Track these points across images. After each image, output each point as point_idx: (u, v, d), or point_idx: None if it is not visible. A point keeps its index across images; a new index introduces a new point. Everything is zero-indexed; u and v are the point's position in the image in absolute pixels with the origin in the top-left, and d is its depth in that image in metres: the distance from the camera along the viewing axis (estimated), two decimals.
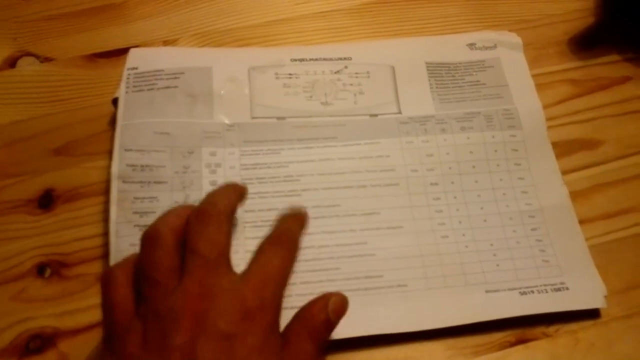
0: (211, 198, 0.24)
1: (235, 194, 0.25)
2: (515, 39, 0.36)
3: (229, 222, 0.23)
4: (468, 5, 0.37)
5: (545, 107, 0.33)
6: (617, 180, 0.32)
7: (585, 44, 0.35)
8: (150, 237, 0.22)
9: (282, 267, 0.23)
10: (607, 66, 0.35)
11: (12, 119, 0.33)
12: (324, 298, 0.23)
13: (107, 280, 0.22)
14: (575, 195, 0.30)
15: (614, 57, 0.35)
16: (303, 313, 0.23)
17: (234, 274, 0.22)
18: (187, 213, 0.23)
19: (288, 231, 0.25)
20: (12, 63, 0.34)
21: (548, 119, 0.32)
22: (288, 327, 0.23)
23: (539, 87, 0.33)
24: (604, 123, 0.33)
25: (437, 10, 0.38)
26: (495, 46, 0.36)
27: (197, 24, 0.36)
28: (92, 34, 0.36)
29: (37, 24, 0.36)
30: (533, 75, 0.34)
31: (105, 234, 0.28)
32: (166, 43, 0.35)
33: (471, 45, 0.36)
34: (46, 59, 0.35)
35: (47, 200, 0.30)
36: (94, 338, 0.26)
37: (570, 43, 0.35)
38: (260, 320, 0.21)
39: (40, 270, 0.28)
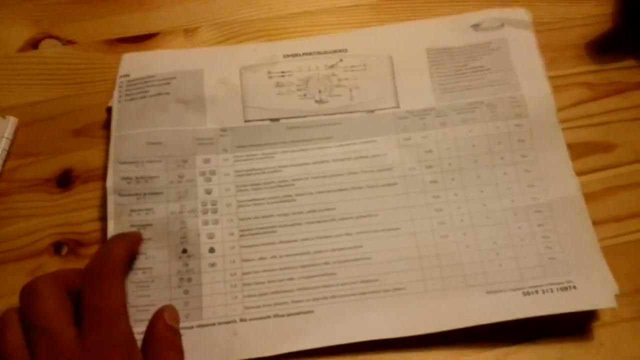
0: (101, 253, 0.25)
1: (126, 244, 0.26)
2: (524, 15, 0.34)
3: (122, 276, 0.24)
4: (487, 6, 0.35)
5: (560, 109, 0.32)
6: (630, 183, 0.31)
7: (602, 48, 0.35)
8: (27, 290, 0.23)
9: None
10: (623, 71, 0.34)
11: (32, 100, 0.33)
12: (160, 314, 0.25)
13: (2, 324, 0.23)
14: (588, 197, 0.30)
15: (630, 62, 0.34)
16: (152, 335, 0.25)
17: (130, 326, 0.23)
18: (69, 272, 0.24)
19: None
20: (34, 44, 0.35)
21: (563, 120, 0.31)
22: (147, 350, 0.24)
23: (555, 89, 0.32)
24: (618, 127, 0.33)
25: (456, 9, 0.35)
26: (502, 25, 0.34)
27: (218, 14, 0.36)
28: (114, 19, 0.36)
29: (60, 7, 0.36)
30: (549, 78, 0.33)
31: None
32: (186, 31, 0.35)
33: (476, 26, 0.34)
34: (68, 42, 0.35)
35: (65, 180, 0.31)
36: None
37: (587, 47, 0.35)
38: None
39: (57, 248, 0.29)
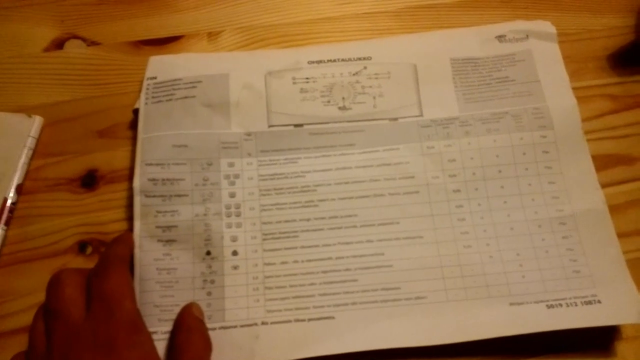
0: (105, 252, 0.26)
1: (125, 243, 0.27)
2: (549, 28, 0.34)
3: (124, 266, 0.25)
4: (510, 16, 0.36)
5: (582, 120, 0.31)
6: None
7: (625, 60, 0.35)
8: (52, 280, 0.24)
9: None
10: None
11: (57, 99, 0.34)
12: (187, 307, 0.26)
13: (34, 317, 0.24)
14: (611, 210, 0.29)
15: None
16: (180, 325, 0.26)
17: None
18: (86, 271, 0.25)
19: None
20: (59, 45, 0.36)
21: (585, 132, 0.31)
22: (176, 340, 0.25)
23: (577, 100, 0.32)
24: None
25: (479, 18, 0.36)
26: (527, 37, 0.34)
27: (241, 18, 0.37)
28: (139, 21, 0.37)
29: (85, 8, 0.37)
30: (571, 89, 0.32)
31: None
32: (210, 35, 0.36)
33: (500, 37, 0.34)
34: (92, 43, 0.36)
35: (90, 180, 0.31)
36: None
37: (610, 59, 0.35)
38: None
39: (81, 247, 0.30)
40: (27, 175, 0.31)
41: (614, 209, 0.29)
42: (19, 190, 0.31)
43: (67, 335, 0.23)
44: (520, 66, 0.33)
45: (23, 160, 0.31)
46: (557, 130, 0.31)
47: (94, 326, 0.23)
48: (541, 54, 0.33)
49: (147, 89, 0.32)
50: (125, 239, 0.27)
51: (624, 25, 0.36)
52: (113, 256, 0.25)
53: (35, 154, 0.32)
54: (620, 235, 0.29)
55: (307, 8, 0.37)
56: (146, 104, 0.31)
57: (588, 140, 0.31)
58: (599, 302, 0.26)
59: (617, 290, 0.27)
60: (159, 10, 0.37)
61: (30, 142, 0.32)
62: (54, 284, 0.24)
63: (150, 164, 0.29)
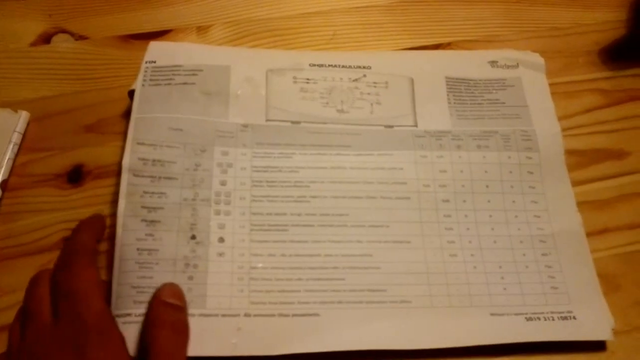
0: (69, 242, 0.25)
1: (91, 230, 0.26)
2: (538, 59, 0.36)
3: (90, 259, 0.24)
4: (502, 10, 0.37)
5: (573, 115, 0.32)
6: None
7: (616, 55, 0.35)
8: (30, 281, 0.24)
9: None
10: (636, 78, 0.34)
11: (43, 94, 0.33)
12: (156, 293, 0.25)
13: (14, 317, 0.24)
14: (601, 204, 0.30)
15: None
16: (148, 316, 0.24)
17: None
18: None
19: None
20: (46, 39, 0.35)
21: (575, 126, 0.31)
22: (146, 335, 0.24)
23: (568, 94, 0.32)
24: (631, 134, 0.33)
25: (470, 12, 0.37)
26: (517, 65, 0.36)
27: (231, 12, 0.37)
28: (128, 15, 0.36)
29: (73, 2, 0.36)
30: (562, 83, 0.33)
31: None
32: (199, 29, 0.36)
33: (493, 63, 0.36)
34: (80, 37, 0.35)
35: (76, 176, 0.30)
36: None
37: (600, 53, 0.35)
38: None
39: None
40: (12, 170, 0.30)
41: (605, 204, 0.30)
42: (4, 186, 0.30)
43: (37, 336, 0.22)
44: (510, 91, 0.34)
45: (8, 155, 0.30)
46: (542, 153, 0.32)
47: (61, 327, 0.22)
48: (530, 82, 0.35)
49: (145, 71, 0.31)
50: (91, 224, 0.26)
51: (615, 20, 0.36)
52: (79, 246, 0.24)
53: (21, 149, 0.31)
54: (611, 230, 0.29)
55: (297, 2, 0.37)
56: (143, 85, 0.31)
57: (579, 135, 0.31)
58: (575, 318, 0.27)
59: (590, 308, 0.28)
60: (147, 4, 0.36)
61: (16, 138, 0.31)
62: (30, 283, 0.24)
63: (142, 144, 0.29)
